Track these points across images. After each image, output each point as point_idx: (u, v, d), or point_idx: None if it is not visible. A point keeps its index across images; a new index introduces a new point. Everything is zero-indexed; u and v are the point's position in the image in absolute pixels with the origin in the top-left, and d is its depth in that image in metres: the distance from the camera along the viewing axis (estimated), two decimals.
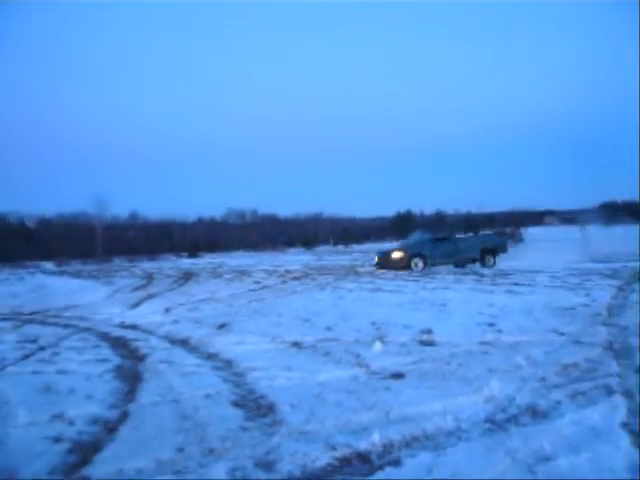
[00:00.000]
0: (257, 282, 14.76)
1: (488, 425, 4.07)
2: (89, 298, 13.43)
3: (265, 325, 8.28)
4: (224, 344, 7.09)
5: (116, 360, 6.63)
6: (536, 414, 4.28)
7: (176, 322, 9.01)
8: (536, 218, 72.19)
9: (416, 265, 18.19)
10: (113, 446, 3.89)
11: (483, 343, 6.78)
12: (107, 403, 4.89)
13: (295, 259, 28.11)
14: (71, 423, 4.39)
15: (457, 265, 18.78)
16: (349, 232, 47.55)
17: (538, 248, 23.78)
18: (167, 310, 10.40)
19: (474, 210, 61.74)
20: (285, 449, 3.69)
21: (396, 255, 18.62)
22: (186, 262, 31.42)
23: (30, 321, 10.26)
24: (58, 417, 4.53)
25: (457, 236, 20.65)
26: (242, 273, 17.29)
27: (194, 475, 3.33)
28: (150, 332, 8.39)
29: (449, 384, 5.11)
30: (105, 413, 4.61)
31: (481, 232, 22.44)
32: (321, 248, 41.89)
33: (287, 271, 18.61)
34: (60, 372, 6.13)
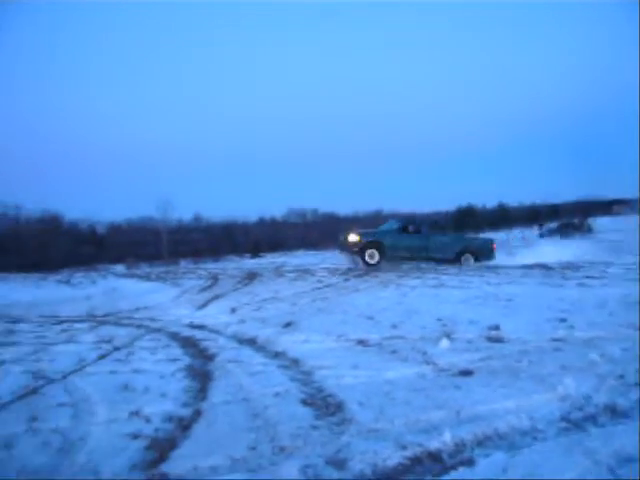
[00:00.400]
0: (320, 280, 14.82)
1: (564, 424, 3.94)
2: (158, 300, 13.89)
3: (330, 323, 8.31)
4: (290, 343, 7.17)
5: (186, 359, 6.83)
6: (615, 413, 4.11)
7: (242, 322, 9.18)
8: (604, 207, 69.31)
9: (371, 257, 16.62)
10: (188, 443, 4.01)
11: (554, 339, 6.56)
12: (180, 401, 5.04)
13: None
14: (148, 420, 4.56)
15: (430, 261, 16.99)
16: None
17: (606, 239, 22.79)
18: (233, 310, 10.61)
19: (539, 201, 59.78)
20: (355, 447, 3.70)
21: (352, 238, 16.84)
22: (249, 262, 31.96)
23: (104, 322, 10.71)
24: (135, 414, 4.71)
25: (432, 232, 18.17)
26: (304, 272, 17.40)
27: (267, 473, 3.38)
28: (218, 332, 8.58)
29: (521, 382, 4.98)
30: (179, 411, 4.76)
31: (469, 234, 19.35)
32: None
33: (349, 269, 18.61)
34: (135, 371, 6.36)
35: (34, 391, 5.78)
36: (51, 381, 6.16)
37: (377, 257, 16.66)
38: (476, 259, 17.07)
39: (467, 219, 44.27)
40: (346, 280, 14.65)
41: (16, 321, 11.59)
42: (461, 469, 3.29)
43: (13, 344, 8.75)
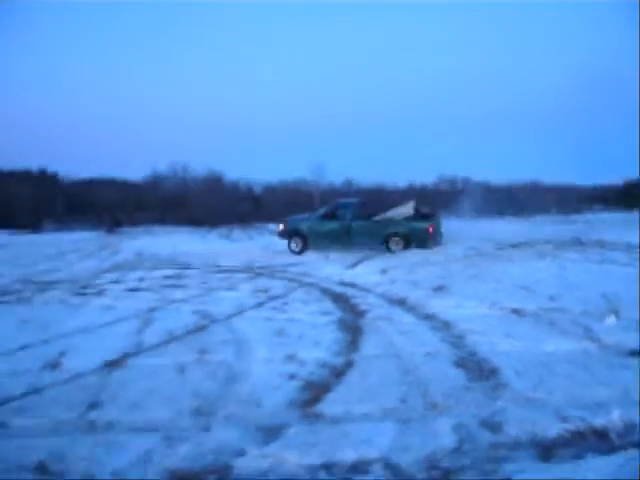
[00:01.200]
0: (472, 248, 14.38)
1: None
2: (309, 257, 14.43)
3: (482, 290, 8.04)
4: (441, 306, 7.06)
5: (338, 313, 7.03)
6: None
7: (392, 283, 9.22)
8: None
9: (296, 244, 15.74)
10: (341, 389, 4.15)
11: None
12: (333, 350, 5.22)
13: (507, 228, 26.79)
14: (302, 364, 4.79)
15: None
16: (567, 201, 43.61)
17: None
18: (383, 271, 10.68)
19: None
20: (511, 413, 3.57)
21: (280, 226, 16.21)
22: None
23: (260, 274, 11.37)
24: (291, 358, 4.97)
25: (356, 217, 15.52)
26: (455, 240, 16.98)
27: (418, 425, 3.40)
28: (368, 290, 8.71)
29: None
30: (332, 359, 4.94)
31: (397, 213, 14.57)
32: (538, 218, 39.29)
33: (501, 239, 17.83)
34: (289, 320, 6.70)
35: (202, 328, 6.33)
36: (215, 321, 6.70)
37: (300, 245, 15.87)
38: (407, 244, 14.75)
39: (637, 193, 39.79)
40: (500, 249, 14.07)
41: (185, 268, 12.73)
42: (632, 450, 3.04)
43: (183, 287, 9.65)
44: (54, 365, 4.92)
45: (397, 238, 14.80)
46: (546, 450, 3.09)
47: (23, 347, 5.59)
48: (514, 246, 14.85)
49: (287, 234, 16.05)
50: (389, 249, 14.70)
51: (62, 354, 5.22)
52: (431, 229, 14.55)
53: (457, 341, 5.42)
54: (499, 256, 12.55)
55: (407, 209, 15.13)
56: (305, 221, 16.21)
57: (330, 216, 15.76)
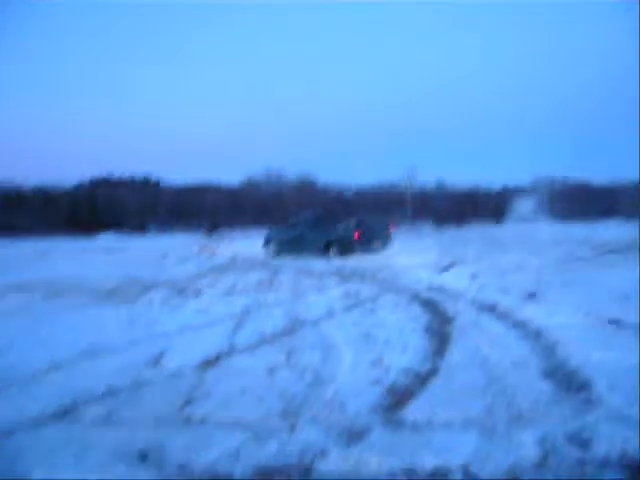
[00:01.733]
0: (569, 252, 13.76)
1: None
2: (399, 261, 14.40)
3: (578, 298, 7.71)
4: (533, 313, 6.85)
5: (425, 319, 7.01)
6: None
7: (482, 288, 9.04)
8: None
9: (268, 250, 18.57)
10: (424, 396, 4.17)
11: None
12: (419, 357, 5.24)
13: (609, 231, 25.23)
14: (387, 370, 4.84)
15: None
16: None
17: None
18: (474, 276, 10.49)
19: None
20: (602, 430, 3.44)
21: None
22: (492, 230, 30.95)
23: (349, 278, 11.52)
24: (376, 363, 5.05)
25: (308, 227, 18.05)
26: (551, 243, 16.30)
27: (500, 437, 3.36)
28: (457, 296, 8.60)
29: None
30: (417, 365, 4.96)
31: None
32: None
33: (603, 243, 16.88)
34: (376, 325, 6.76)
35: (291, 331, 6.55)
36: (304, 324, 6.90)
37: (271, 251, 18.60)
38: (340, 252, 16.90)
39: None
40: (599, 255, 13.36)
41: (276, 271, 13.13)
42: None
43: (275, 290, 9.97)
44: (155, 362, 5.29)
45: (333, 246, 17.04)
46: (636, 472, 2.96)
47: (129, 345, 6.04)
48: (613, 251, 14.02)
49: (264, 242, 19.04)
50: (328, 254, 17.00)
51: (162, 352, 5.60)
52: (356, 235, 16.97)
53: (547, 351, 5.25)
54: (598, 262, 11.92)
55: (351, 222, 17.87)
56: (275, 232, 19.23)
57: (291, 227, 18.48)
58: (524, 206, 50.02)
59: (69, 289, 10.71)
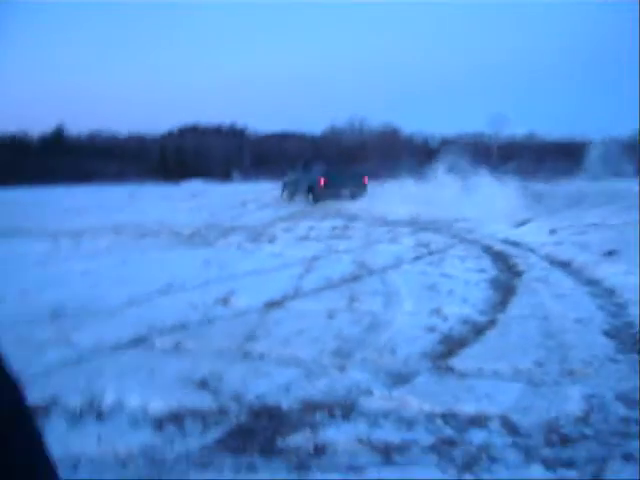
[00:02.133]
0: None
1: None
2: (476, 213, 14.05)
3: None
4: (608, 272, 6.57)
5: (494, 272, 6.92)
6: None
7: (559, 244, 8.72)
8: None
9: (282, 195, 21.18)
10: (477, 346, 4.20)
11: None
12: (479, 308, 5.23)
13: None
14: (445, 319, 4.89)
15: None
16: None
17: None
18: (552, 231, 10.11)
19: None
20: None
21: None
22: (581, 184, 29.28)
23: (424, 228, 11.45)
24: (435, 312, 5.10)
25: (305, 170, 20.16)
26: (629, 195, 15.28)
27: (546, 391, 3.36)
28: (531, 251, 8.39)
29: None
30: (476, 316, 4.96)
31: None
32: None
33: None
34: (443, 275, 6.77)
35: (356, 278, 6.69)
36: (371, 272, 7.01)
37: (284, 195, 21.08)
38: (314, 198, 18.57)
39: None
40: None
41: (352, 219, 13.25)
42: None
43: (347, 238, 10.12)
44: (224, 301, 5.61)
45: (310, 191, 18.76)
46: None
47: (203, 284, 6.42)
48: None
49: (282, 188, 21.49)
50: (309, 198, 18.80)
51: (232, 292, 5.90)
52: (322, 182, 18.30)
53: (616, 310, 5.08)
54: None
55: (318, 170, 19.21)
56: (288, 177, 21.22)
57: (296, 174, 20.40)
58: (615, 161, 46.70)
59: (154, 232, 11.37)
